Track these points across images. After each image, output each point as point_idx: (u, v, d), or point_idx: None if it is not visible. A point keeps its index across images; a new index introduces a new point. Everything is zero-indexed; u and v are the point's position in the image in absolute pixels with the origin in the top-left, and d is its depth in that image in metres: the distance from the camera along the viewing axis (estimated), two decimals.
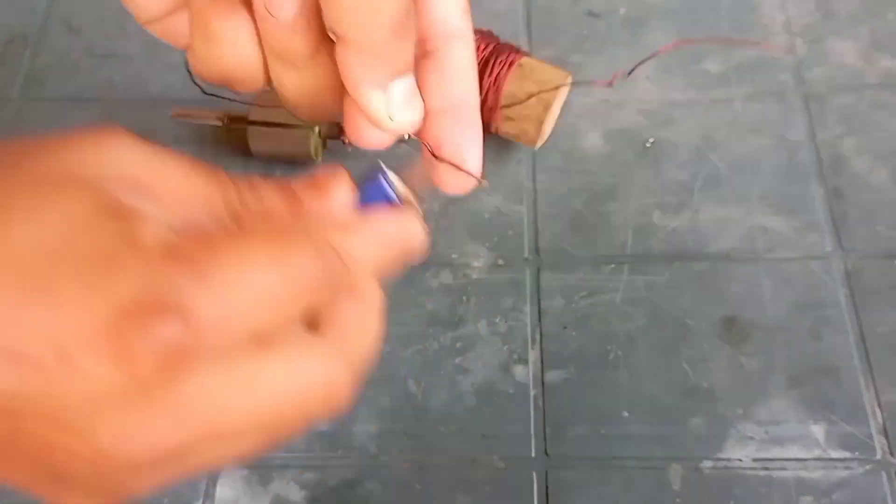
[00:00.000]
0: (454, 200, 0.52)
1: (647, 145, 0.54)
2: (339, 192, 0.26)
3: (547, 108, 0.50)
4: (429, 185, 0.27)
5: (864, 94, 0.56)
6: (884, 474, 0.43)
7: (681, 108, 0.56)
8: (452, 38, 0.27)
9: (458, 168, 0.27)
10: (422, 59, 0.27)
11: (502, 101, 0.50)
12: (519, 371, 0.47)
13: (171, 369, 0.19)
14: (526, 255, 0.51)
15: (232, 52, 0.26)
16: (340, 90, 0.27)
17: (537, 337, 0.48)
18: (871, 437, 0.44)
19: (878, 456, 0.43)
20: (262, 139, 0.51)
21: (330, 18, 0.24)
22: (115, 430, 0.19)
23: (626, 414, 0.45)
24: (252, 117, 0.51)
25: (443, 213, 0.52)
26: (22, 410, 0.19)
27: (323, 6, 0.24)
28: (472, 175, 0.27)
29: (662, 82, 0.57)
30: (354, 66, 0.24)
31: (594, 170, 0.54)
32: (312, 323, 0.23)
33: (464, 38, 0.27)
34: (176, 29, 0.27)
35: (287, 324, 0.22)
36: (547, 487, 0.43)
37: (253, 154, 0.52)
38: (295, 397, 0.22)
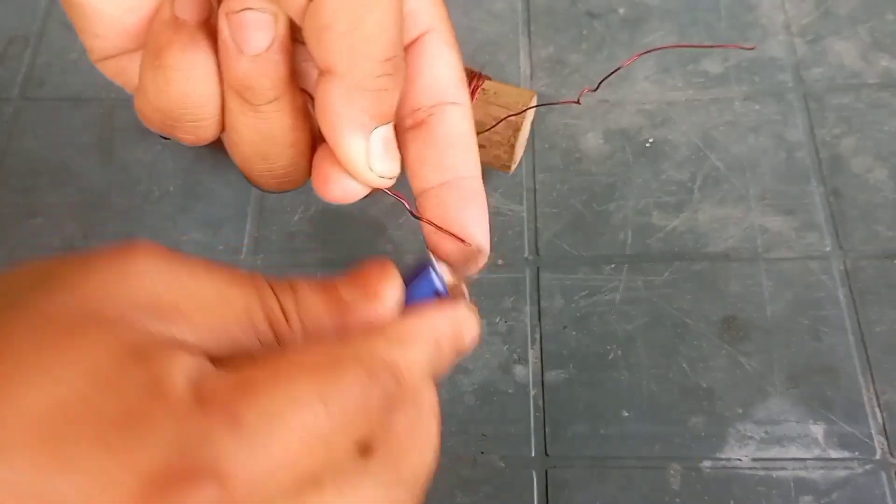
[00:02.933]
0: None
1: (647, 145, 0.54)
2: (389, 292, 0.23)
3: (517, 130, 0.49)
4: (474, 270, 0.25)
5: (863, 93, 0.56)
6: (883, 474, 0.43)
7: (680, 108, 0.56)
8: (446, 106, 0.25)
9: (462, 242, 0.25)
10: (414, 130, 0.25)
11: None
12: (519, 371, 0.47)
13: None
14: (526, 255, 0.51)
15: (185, 87, 0.23)
16: (300, 144, 0.24)
17: (537, 337, 0.48)
18: (870, 436, 0.44)
19: (878, 456, 0.43)
20: None
21: (317, 48, 0.22)
22: None
23: (625, 413, 0.45)
24: None
25: None
26: None
27: (308, 36, 0.22)
28: (480, 252, 0.25)
29: (661, 82, 0.57)
30: (338, 103, 0.22)
31: (594, 170, 0.54)
32: (365, 445, 0.21)
33: (459, 104, 0.25)
34: (131, 69, 0.24)
35: (339, 457, 0.20)
36: (547, 487, 0.43)
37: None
38: None
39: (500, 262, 0.50)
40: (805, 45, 0.58)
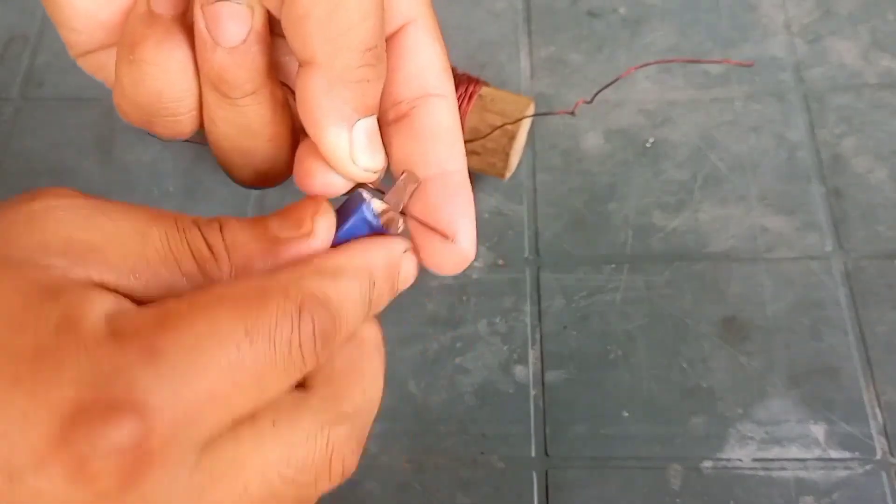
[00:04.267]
0: None
1: (647, 145, 0.54)
2: (321, 226, 0.22)
3: (512, 139, 0.48)
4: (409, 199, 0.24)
5: (863, 93, 0.56)
6: (884, 474, 0.43)
7: (681, 108, 0.56)
8: (430, 98, 0.24)
9: (444, 236, 0.24)
10: (397, 123, 0.25)
11: (465, 137, 0.49)
12: (519, 371, 0.47)
13: (136, 476, 0.16)
14: (526, 255, 0.51)
15: (160, 82, 0.23)
16: (280, 139, 0.24)
17: (537, 337, 0.48)
18: (870, 437, 0.44)
19: (878, 456, 0.43)
20: None
21: (295, 38, 0.21)
22: None
23: (625, 414, 0.45)
24: None
25: None
26: None
27: (287, 27, 0.21)
28: (465, 253, 0.24)
29: (662, 82, 0.57)
30: (319, 95, 0.21)
31: (594, 170, 0.54)
32: (303, 382, 0.20)
33: (443, 96, 0.25)
34: (110, 64, 0.24)
35: (273, 394, 0.19)
36: (547, 487, 0.43)
37: None
38: (292, 477, 0.19)
39: (500, 262, 0.50)
40: (806, 45, 0.58)
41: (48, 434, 0.16)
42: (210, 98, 0.23)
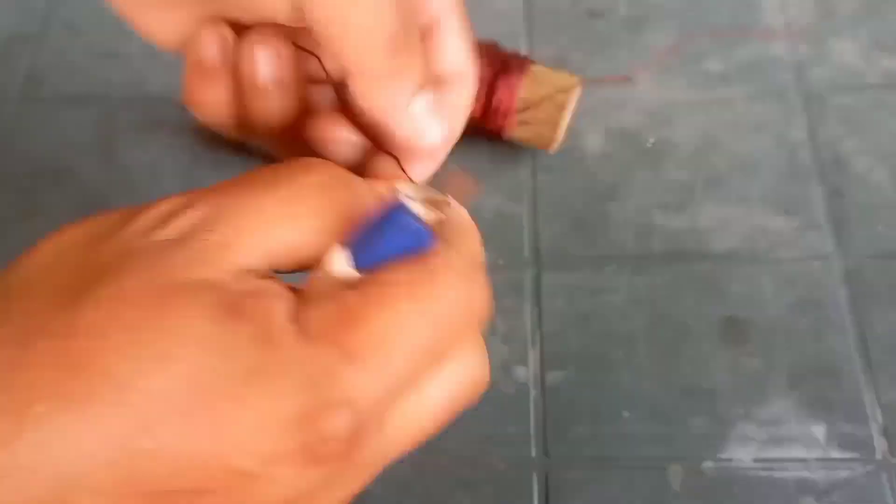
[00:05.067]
0: None
1: (648, 145, 0.54)
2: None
3: (561, 109, 0.50)
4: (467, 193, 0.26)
5: (864, 94, 0.56)
6: (884, 475, 0.43)
7: (681, 108, 0.56)
8: (457, 79, 0.28)
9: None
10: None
11: (518, 106, 0.50)
12: (519, 371, 0.47)
13: (352, 453, 0.20)
14: (526, 255, 0.51)
15: (214, 114, 0.27)
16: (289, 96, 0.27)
17: (537, 337, 0.48)
18: (871, 437, 0.44)
19: (879, 456, 0.43)
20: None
21: (325, 61, 0.24)
22: None
23: (626, 414, 0.45)
24: None
25: None
26: None
27: (319, 54, 0.24)
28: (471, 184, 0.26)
29: (663, 82, 0.57)
30: (372, 95, 0.25)
31: (595, 170, 0.53)
32: None
33: (467, 79, 0.28)
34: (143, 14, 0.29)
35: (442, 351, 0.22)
36: (547, 488, 0.43)
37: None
38: (456, 394, 0.23)
39: (500, 262, 0.50)
40: (807, 46, 0.58)
41: (281, 438, 0.19)
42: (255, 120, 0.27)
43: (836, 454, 0.43)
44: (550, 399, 0.45)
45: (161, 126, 0.54)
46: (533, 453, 0.44)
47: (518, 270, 0.50)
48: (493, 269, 0.50)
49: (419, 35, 0.26)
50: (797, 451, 0.43)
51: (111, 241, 0.21)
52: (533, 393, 0.46)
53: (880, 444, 0.43)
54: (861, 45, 0.58)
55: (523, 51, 0.58)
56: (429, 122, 0.26)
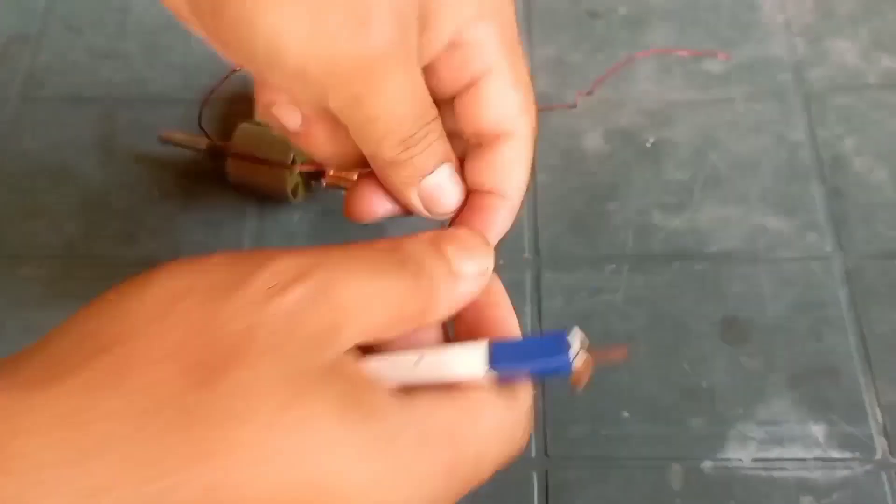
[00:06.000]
0: None
1: (648, 145, 0.54)
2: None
3: None
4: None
5: (864, 93, 0.56)
6: (884, 474, 0.43)
7: (681, 108, 0.56)
8: (509, 136, 0.28)
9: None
10: (474, 149, 0.29)
11: None
12: None
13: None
14: (526, 255, 0.51)
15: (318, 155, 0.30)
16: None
17: None
18: (871, 437, 0.44)
19: (879, 456, 0.43)
20: (241, 172, 0.50)
21: (356, 139, 0.26)
22: None
23: (626, 414, 0.45)
24: (234, 149, 0.50)
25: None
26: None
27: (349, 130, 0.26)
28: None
29: (662, 82, 0.57)
30: (386, 175, 0.27)
31: (594, 170, 0.54)
32: None
33: (520, 137, 0.29)
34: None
35: None
36: (547, 488, 0.43)
37: (232, 185, 0.51)
38: None
39: (500, 261, 0.50)
40: (806, 45, 0.58)
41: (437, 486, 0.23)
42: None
43: (835, 454, 0.43)
44: (550, 399, 0.46)
45: (160, 126, 0.54)
46: (533, 453, 0.44)
47: (518, 270, 0.50)
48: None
49: (439, 125, 0.27)
50: (797, 451, 0.43)
51: (232, 308, 0.21)
52: (532, 393, 0.46)
53: (880, 444, 0.43)
54: (860, 45, 0.58)
55: (523, 51, 0.58)
56: (441, 193, 0.28)
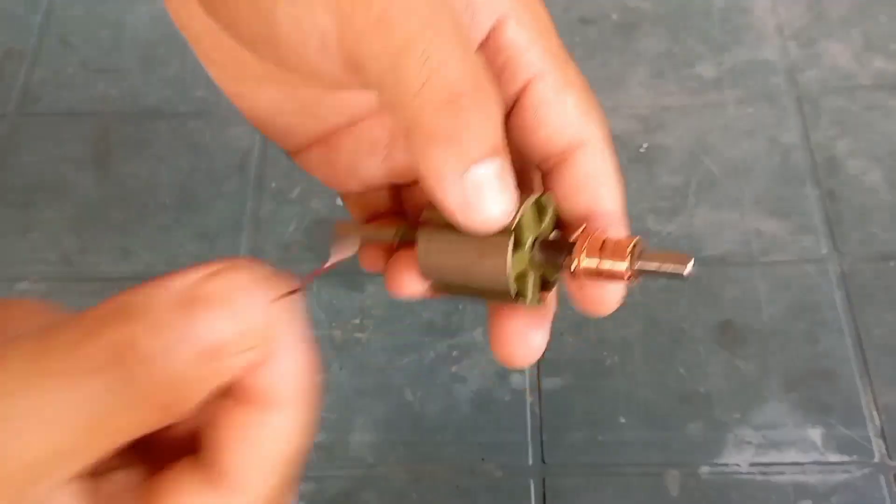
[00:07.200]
0: None
1: (641, 150, 0.54)
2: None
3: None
4: None
5: (856, 95, 0.56)
6: (882, 477, 0.42)
7: (674, 113, 0.56)
8: (578, 147, 0.24)
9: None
10: (551, 174, 0.25)
11: None
12: (515, 379, 0.47)
13: None
14: None
15: None
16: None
17: None
18: (868, 440, 0.44)
19: (876, 459, 0.43)
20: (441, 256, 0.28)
21: (394, 105, 0.21)
22: None
23: (622, 420, 0.45)
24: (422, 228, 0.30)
25: None
26: None
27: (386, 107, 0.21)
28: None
29: (655, 87, 0.57)
30: (424, 155, 0.21)
31: None
32: None
33: (591, 143, 0.25)
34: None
35: None
36: (544, 495, 0.43)
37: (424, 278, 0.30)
38: None
39: None
40: (798, 48, 0.58)
41: None
42: None
43: (833, 457, 0.43)
44: (547, 406, 0.45)
45: (155, 140, 0.54)
46: (530, 460, 0.44)
47: None
48: None
49: (499, 98, 0.22)
50: (794, 455, 0.43)
51: None
52: (529, 400, 0.46)
53: (878, 447, 0.43)
54: (853, 47, 0.58)
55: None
56: (485, 196, 0.21)
